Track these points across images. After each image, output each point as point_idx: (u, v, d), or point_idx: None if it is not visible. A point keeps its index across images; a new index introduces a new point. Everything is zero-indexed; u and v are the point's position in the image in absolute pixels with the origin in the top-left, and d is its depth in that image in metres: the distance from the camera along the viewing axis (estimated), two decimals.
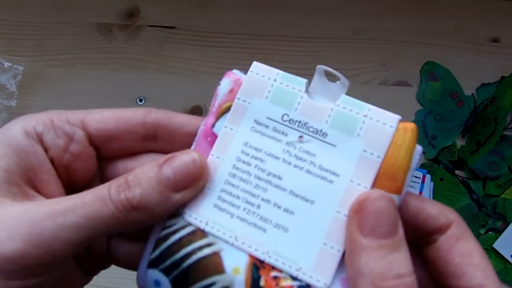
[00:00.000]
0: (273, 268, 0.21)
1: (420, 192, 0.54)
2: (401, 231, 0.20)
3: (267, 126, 0.23)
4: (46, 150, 0.22)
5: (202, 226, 0.22)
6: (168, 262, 0.22)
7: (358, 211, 0.20)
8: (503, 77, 0.58)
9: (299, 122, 0.22)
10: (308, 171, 0.22)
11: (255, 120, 0.23)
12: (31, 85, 0.60)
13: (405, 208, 0.22)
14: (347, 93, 0.23)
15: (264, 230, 0.22)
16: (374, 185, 0.21)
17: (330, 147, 0.22)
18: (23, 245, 0.19)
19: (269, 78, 0.23)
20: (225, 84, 0.23)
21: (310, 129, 0.22)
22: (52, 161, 0.22)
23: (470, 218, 0.55)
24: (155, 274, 0.22)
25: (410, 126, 0.21)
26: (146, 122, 0.23)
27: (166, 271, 0.22)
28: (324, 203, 0.21)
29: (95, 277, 0.27)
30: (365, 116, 0.22)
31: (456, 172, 0.56)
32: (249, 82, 0.23)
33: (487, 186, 0.55)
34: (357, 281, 0.19)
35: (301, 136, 0.22)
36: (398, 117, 0.21)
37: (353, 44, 0.61)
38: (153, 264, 0.22)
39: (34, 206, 0.20)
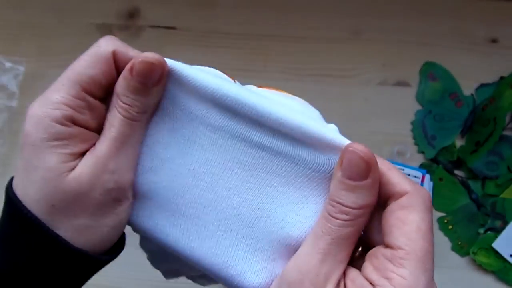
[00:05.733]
0: None
1: None
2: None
3: None
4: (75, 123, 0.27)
5: None
6: None
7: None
8: (502, 78, 0.58)
9: None
10: None
11: None
12: (32, 86, 0.60)
13: None
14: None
15: None
16: None
17: None
18: None
19: None
20: None
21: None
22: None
23: (469, 218, 0.55)
24: None
25: None
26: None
27: None
28: None
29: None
30: None
31: (456, 172, 0.57)
32: None
33: (486, 186, 0.56)
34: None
35: None
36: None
37: (353, 45, 0.61)
38: None
39: None
